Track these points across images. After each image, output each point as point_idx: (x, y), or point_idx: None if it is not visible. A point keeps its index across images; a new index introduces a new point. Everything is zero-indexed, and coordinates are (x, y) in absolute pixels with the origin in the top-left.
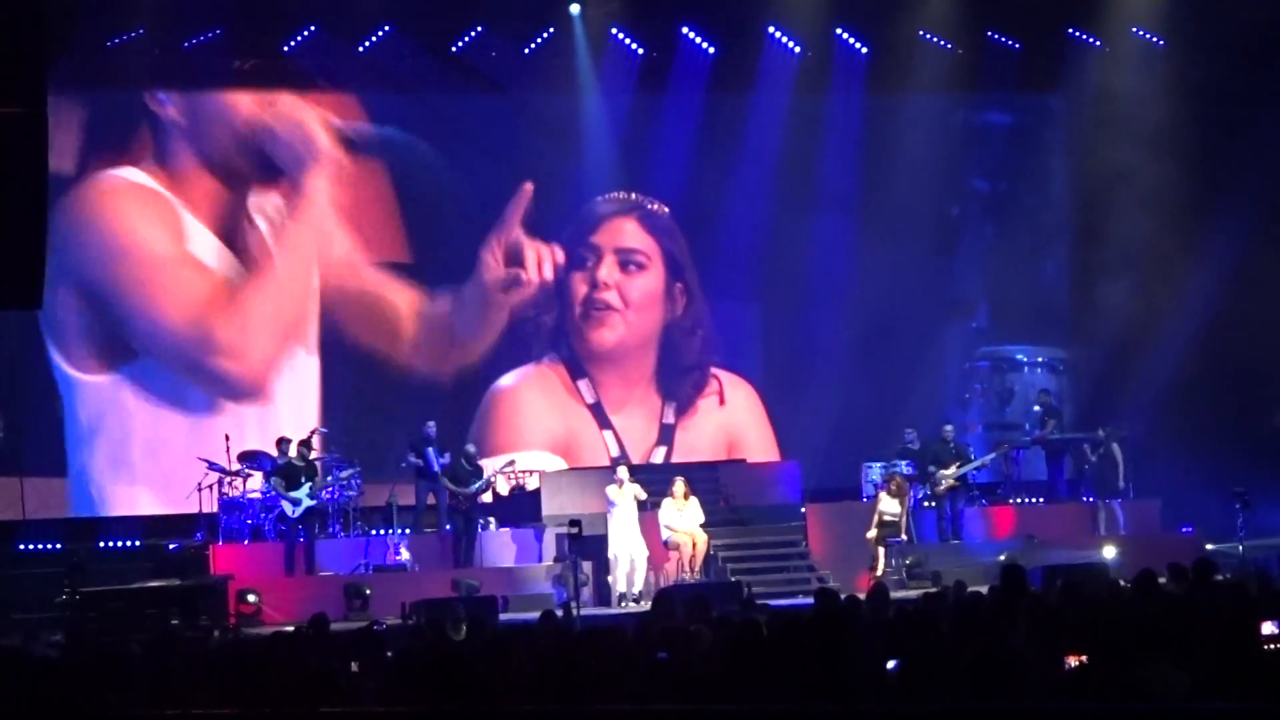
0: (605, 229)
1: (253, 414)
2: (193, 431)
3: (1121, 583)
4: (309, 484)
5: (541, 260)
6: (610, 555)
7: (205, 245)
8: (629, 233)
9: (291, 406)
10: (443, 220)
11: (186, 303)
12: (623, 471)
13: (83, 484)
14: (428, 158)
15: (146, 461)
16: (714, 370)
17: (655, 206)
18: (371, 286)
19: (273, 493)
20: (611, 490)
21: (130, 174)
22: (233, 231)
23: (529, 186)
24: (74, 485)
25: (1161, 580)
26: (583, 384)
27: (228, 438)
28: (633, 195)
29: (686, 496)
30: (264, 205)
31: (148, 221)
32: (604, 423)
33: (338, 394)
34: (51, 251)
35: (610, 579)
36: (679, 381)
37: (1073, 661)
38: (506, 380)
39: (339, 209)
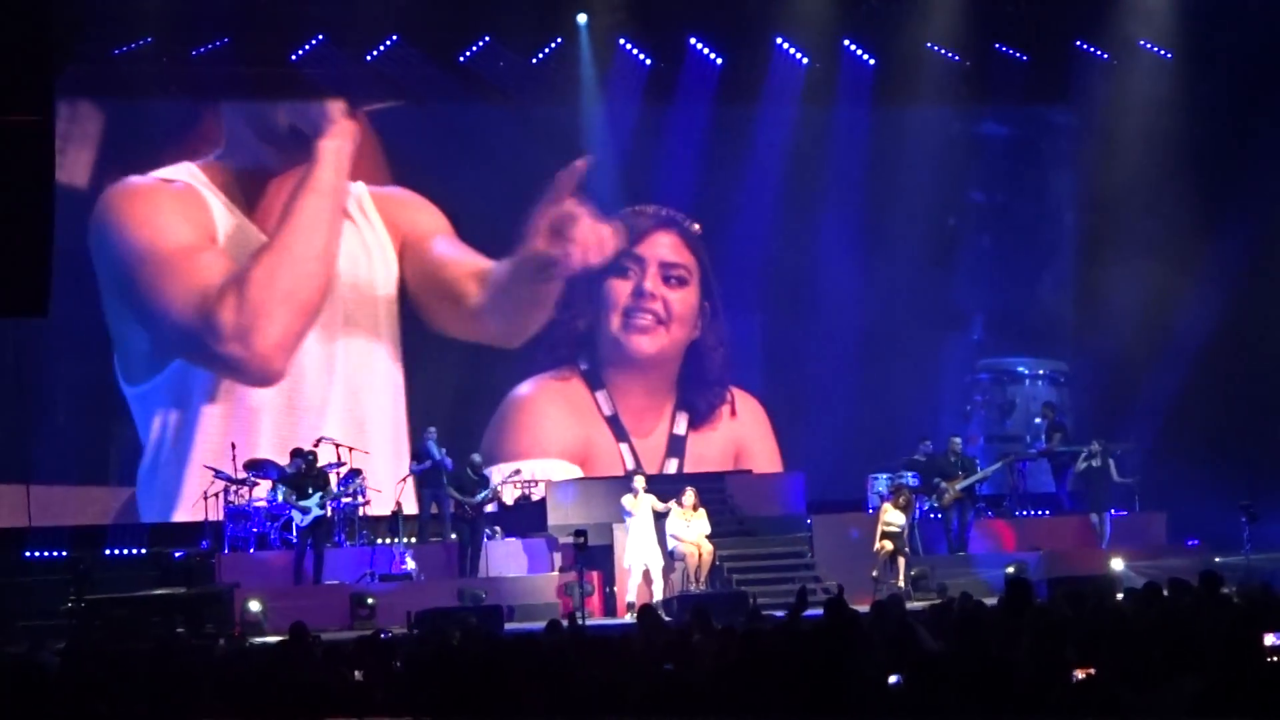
0: (648, 241)
1: (339, 411)
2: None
3: (1118, 596)
4: (319, 494)
5: (600, 240)
6: (625, 565)
7: (236, 234)
8: (672, 247)
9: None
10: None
11: (199, 292)
12: (639, 481)
13: (151, 492)
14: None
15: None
16: (730, 387)
17: (695, 226)
18: (436, 261)
19: (279, 501)
20: (627, 500)
21: (168, 172)
22: (264, 214)
23: (582, 163)
24: (143, 493)
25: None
26: (600, 396)
27: (234, 445)
28: (664, 210)
29: (696, 507)
30: (290, 182)
31: (173, 218)
32: (621, 435)
33: (421, 388)
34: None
35: (616, 589)
36: (697, 396)
37: (1079, 674)
38: (524, 388)
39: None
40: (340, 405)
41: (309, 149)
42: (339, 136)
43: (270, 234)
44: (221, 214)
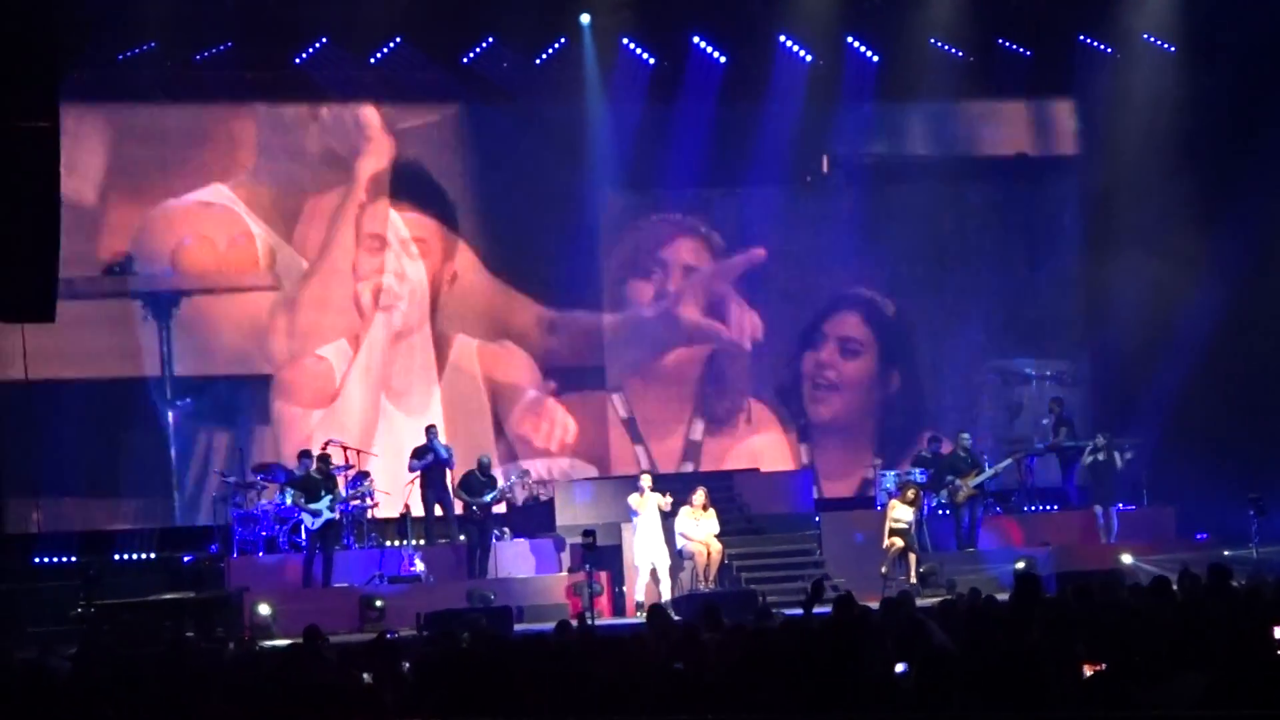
0: (672, 246)
1: (385, 425)
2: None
3: (1127, 591)
4: (329, 496)
5: (749, 326)
6: (634, 565)
7: (276, 256)
8: (694, 252)
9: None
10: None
11: (248, 316)
12: (645, 480)
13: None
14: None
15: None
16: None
17: (715, 235)
18: (476, 296)
19: (288, 505)
20: (634, 499)
21: (207, 194)
22: (301, 235)
23: (762, 252)
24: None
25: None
26: (617, 398)
27: (240, 450)
28: (687, 217)
29: (705, 507)
30: (327, 204)
31: (217, 241)
32: (636, 437)
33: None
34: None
35: (625, 589)
36: (716, 404)
37: (1089, 669)
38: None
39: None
40: (387, 419)
41: (345, 167)
42: (375, 154)
43: (314, 256)
44: (260, 236)
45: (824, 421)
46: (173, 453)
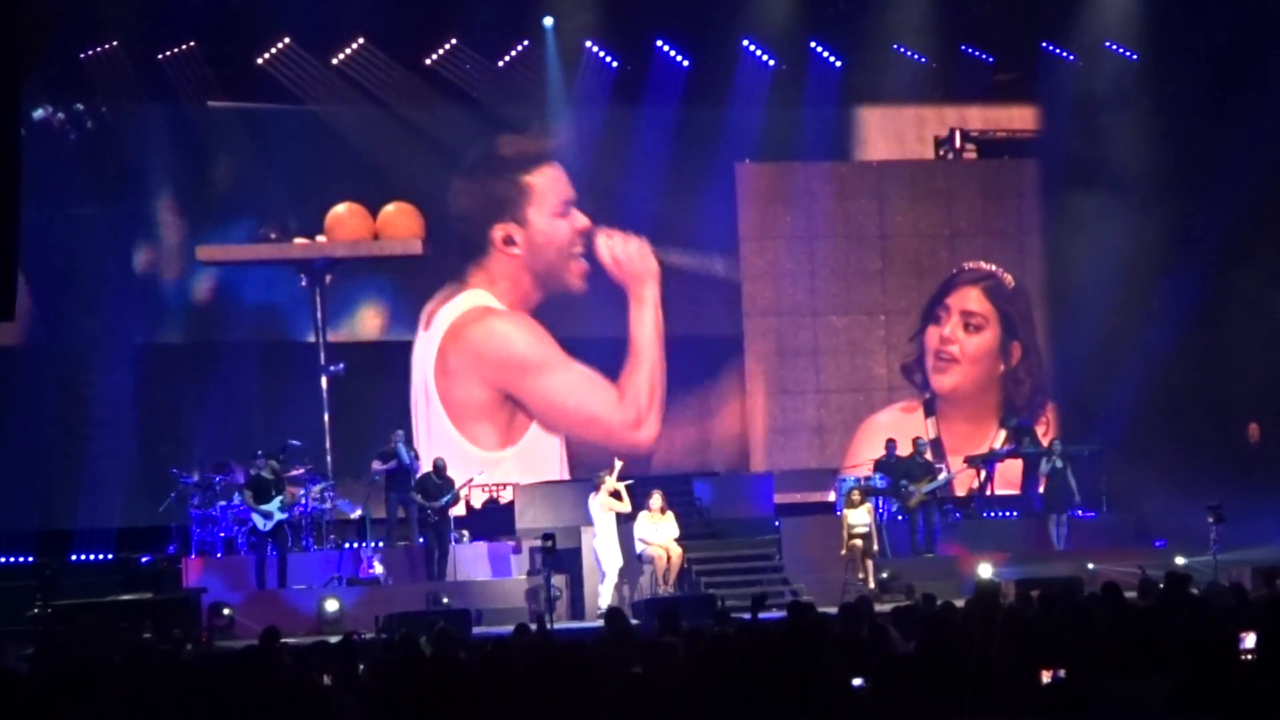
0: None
1: None
2: None
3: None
4: (279, 498)
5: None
6: (602, 569)
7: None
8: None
9: None
10: None
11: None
12: (609, 482)
13: None
14: None
15: None
16: None
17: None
18: None
19: (243, 506)
20: (616, 505)
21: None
22: None
23: None
24: None
25: (1130, 595)
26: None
27: (199, 450)
28: None
29: (663, 510)
30: None
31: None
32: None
33: None
34: None
35: (585, 592)
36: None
37: (1048, 675)
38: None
39: None
40: None
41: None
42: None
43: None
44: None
45: (948, 394)
46: (326, 418)
